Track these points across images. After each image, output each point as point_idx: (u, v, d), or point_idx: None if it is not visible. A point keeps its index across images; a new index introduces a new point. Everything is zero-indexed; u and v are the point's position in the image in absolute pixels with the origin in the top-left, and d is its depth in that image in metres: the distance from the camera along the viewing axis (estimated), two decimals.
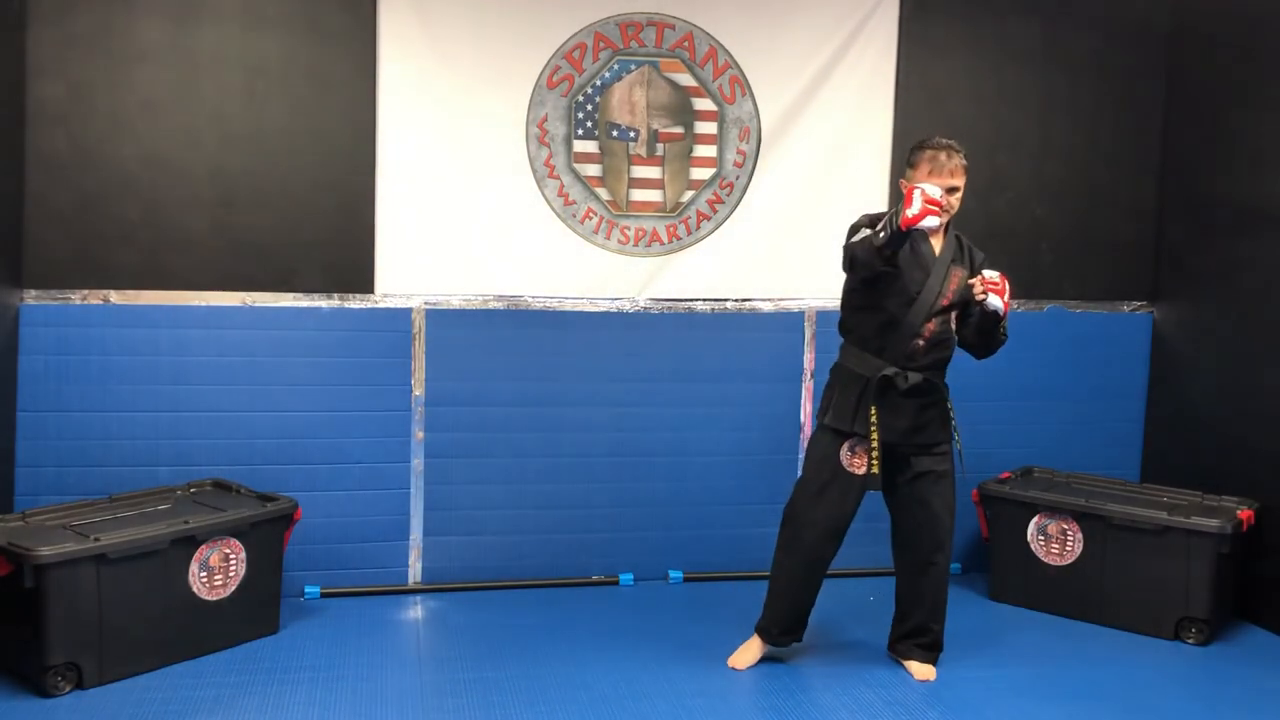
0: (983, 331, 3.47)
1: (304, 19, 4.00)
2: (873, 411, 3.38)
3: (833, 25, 4.38)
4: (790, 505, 3.57)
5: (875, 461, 3.39)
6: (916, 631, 3.60)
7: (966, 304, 3.47)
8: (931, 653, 3.59)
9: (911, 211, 3.07)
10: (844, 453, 3.47)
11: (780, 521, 3.60)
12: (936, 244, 3.45)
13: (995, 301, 3.34)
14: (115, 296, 3.93)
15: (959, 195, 3.40)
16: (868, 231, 3.30)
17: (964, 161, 3.39)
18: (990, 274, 3.36)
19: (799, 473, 3.70)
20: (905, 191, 3.19)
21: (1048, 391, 4.70)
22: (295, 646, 3.66)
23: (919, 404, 3.44)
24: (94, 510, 3.61)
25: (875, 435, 3.38)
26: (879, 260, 3.21)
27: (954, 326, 3.51)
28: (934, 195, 3.10)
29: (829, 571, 4.43)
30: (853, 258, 3.32)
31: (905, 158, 3.50)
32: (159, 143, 3.92)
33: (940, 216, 3.16)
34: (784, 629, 3.61)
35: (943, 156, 3.35)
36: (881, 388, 3.39)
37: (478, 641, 3.76)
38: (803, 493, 3.54)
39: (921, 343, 3.42)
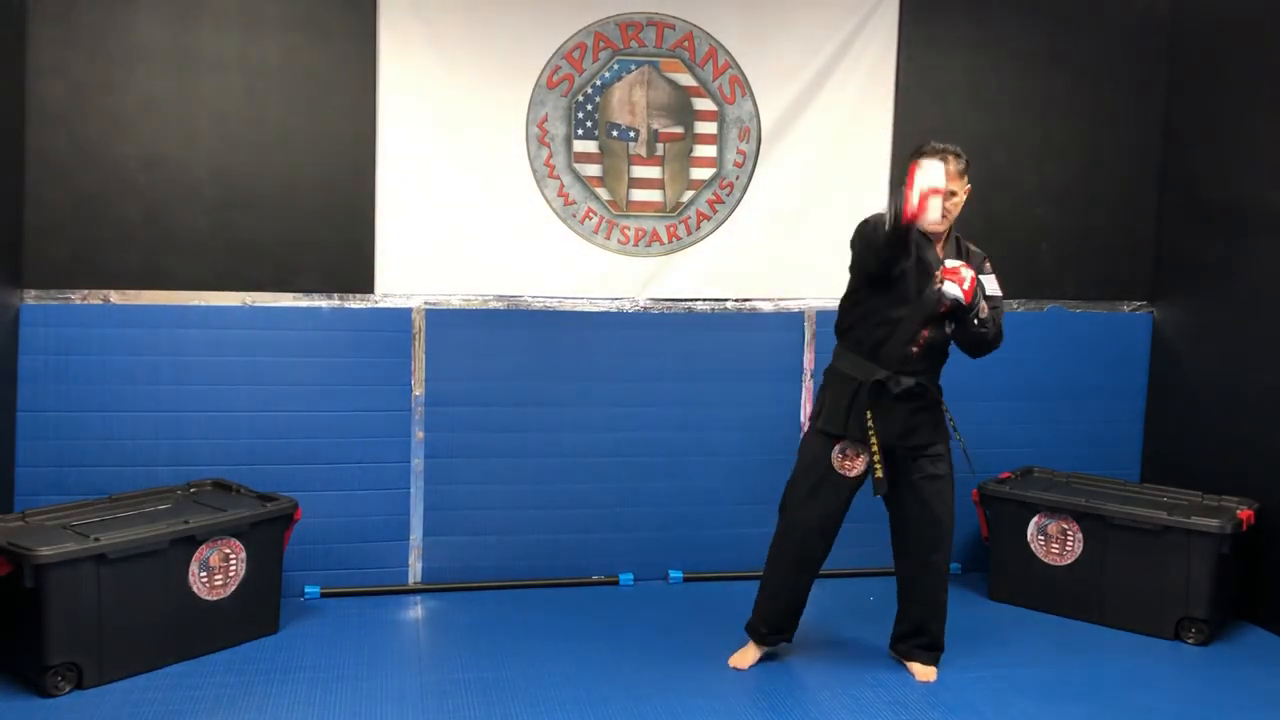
0: (958, 323, 3.41)
1: (304, 19, 4.00)
2: (869, 417, 3.38)
3: (833, 25, 4.38)
4: (782, 505, 3.59)
5: (878, 465, 3.38)
6: (915, 631, 3.60)
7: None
8: (931, 653, 3.59)
9: (913, 205, 2.93)
10: (835, 455, 3.47)
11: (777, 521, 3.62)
12: (941, 251, 3.43)
13: (951, 289, 3.27)
14: (115, 296, 3.93)
15: (957, 201, 3.37)
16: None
17: (962, 166, 3.36)
18: (951, 262, 3.32)
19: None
20: (909, 171, 3.02)
21: (1048, 391, 4.70)
22: (295, 646, 3.66)
23: (910, 408, 3.43)
24: (94, 510, 3.61)
25: (875, 441, 3.38)
26: (884, 247, 3.14)
27: (948, 334, 3.48)
28: (935, 182, 2.95)
29: (829, 572, 4.44)
30: (865, 242, 3.29)
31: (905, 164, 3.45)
32: (159, 143, 3.92)
33: (944, 210, 3.19)
34: (773, 628, 3.62)
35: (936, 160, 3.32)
36: (874, 392, 3.39)
37: (478, 641, 3.76)
38: (793, 493, 3.55)
39: (916, 349, 3.41)
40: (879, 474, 3.38)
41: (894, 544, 3.62)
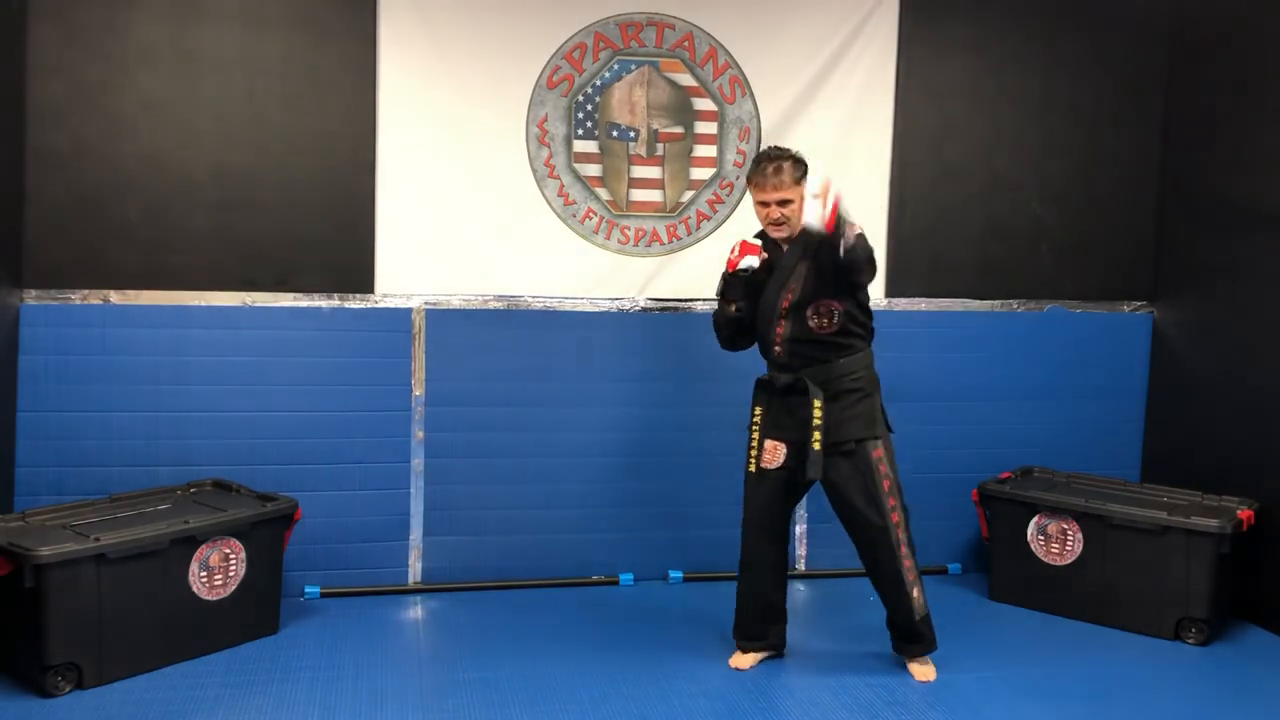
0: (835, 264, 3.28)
1: (304, 19, 4.00)
2: (756, 411, 3.54)
3: (833, 25, 4.38)
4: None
5: (752, 459, 3.54)
6: (890, 624, 3.63)
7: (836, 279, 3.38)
8: (910, 644, 3.58)
9: (732, 256, 3.42)
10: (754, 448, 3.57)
11: None
12: (786, 253, 3.50)
13: (811, 215, 3.08)
14: (115, 296, 3.93)
15: (793, 207, 3.39)
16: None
17: (794, 174, 3.37)
18: (812, 188, 3.13)
19: None
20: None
21: (1048, 391, 4.69)
22: (295, 646, 3.66)
23: (795, 403, 3.48)
24: (94, 510, 3.61)
25: (755, 432, 3.54)
26: (726, 312, 3.53)
27: (821, 322, 3.43)
28: (751, 243, 3.43)
29: (829, 572, 4.44)
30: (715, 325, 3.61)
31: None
32: (159, 143, 3.92)
33: (758, 255, 3.41)
34: (744, 635, 3.64)
35: (768, 169, 3.38)
36: (763, 388, 3.55)
37: (478, 641, 3.76)
38: (744, 493, 3.66)
39: (778, 347, 3.50)
40: (751, 466, 3.55)
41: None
